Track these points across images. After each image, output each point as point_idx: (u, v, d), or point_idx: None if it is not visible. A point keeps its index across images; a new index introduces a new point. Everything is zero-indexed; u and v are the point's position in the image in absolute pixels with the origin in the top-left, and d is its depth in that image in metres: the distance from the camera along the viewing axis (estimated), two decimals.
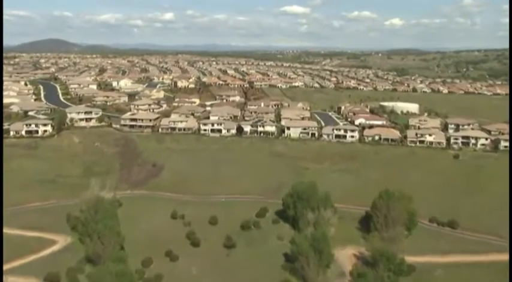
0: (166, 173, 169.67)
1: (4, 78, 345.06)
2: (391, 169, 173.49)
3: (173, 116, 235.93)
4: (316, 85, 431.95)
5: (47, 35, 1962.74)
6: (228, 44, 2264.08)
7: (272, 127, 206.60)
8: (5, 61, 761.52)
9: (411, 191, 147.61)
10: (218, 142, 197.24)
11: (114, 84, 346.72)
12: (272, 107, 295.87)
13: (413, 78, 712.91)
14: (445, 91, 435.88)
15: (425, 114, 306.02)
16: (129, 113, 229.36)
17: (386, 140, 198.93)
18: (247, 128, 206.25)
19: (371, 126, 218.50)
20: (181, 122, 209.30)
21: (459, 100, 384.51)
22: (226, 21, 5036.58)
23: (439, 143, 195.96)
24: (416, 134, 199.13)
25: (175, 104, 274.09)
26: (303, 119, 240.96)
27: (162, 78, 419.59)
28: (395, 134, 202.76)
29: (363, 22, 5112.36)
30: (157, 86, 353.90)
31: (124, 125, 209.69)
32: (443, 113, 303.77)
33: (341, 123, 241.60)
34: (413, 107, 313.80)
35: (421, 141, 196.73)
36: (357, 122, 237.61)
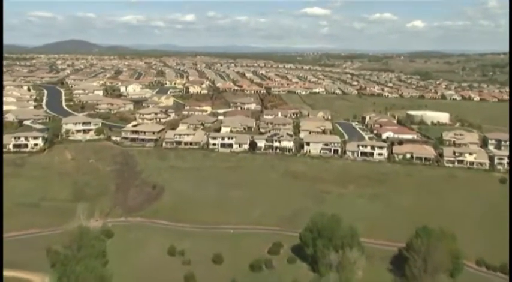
0: (167, 196, 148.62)
1: (7, 82, 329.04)
2: (426, 195, 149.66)
3: (180, 127, 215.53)
4: (338, 91, 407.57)
5: (70, 36, 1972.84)
6: (248, 45, 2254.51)
7: (290, 142, 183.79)
8: (21, 62, 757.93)
9: (452, 224, 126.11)
10: (228, 159, 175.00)
11: (122, 89, 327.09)
12: (291, 116, 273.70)
13: (438, 82, 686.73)
14: (477, 98, 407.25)
15: (457, 124, 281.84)
16: (131, 124, 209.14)
17: (420, 158, 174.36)
18: (261, 143, 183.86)
19: (400, 142, 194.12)
20: (187, 135, 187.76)
21: (493, 108, 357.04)
22: (247, 23, 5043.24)
23: (481, 163, 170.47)
24: (454, 153, 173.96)
25: (185, 113, 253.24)
26: (324, 131, 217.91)
27: (175, 83, 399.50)
28: (429, 151, 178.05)
29: (384, 24, 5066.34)
30: (168, 92, 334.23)
31: (125, 138, 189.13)
32: (477, 123, 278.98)
33: (366, 137, 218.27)
34: (443, 117, 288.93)
35: (460, 161, 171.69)
36: (384, 136, 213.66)
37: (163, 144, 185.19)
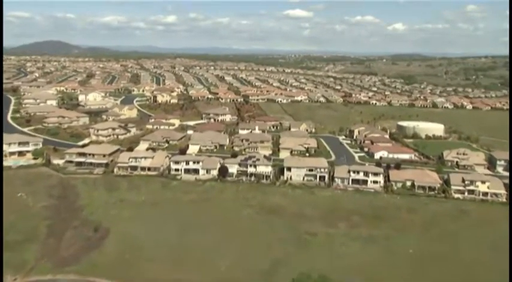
0: (111, 243, 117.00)
1: None
2: (435, 239, 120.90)
3: (141, 146, 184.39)
4: (322, 99, 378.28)
5: (50, 37, 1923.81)
6: (230, 47, 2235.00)
7: (267, 167, 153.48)
8: None
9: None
10: (192, 190, 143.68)
11: (81, 98, 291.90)
12: (270, 128, 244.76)
13: (422, 86, 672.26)
14: (469, 106, 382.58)
15: (451, 137, 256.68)
16: (82, 142, 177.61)
17: (422, 188, 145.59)
18: (233, 169, 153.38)
19: (397, 164, 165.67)
20: (145, 158, 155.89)
21: (487, 118, 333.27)
22: (228, 25, 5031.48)
23: (496, 194, 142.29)
24: (464, 180, 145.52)
25: (150, 127, 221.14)
26: (307, 150, 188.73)
27: (143, 90, 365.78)
28: (433, 179, 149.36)
29: (366, 26, 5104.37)
30: (134, 101, 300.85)
31: (69, 162, 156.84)
32: (474, 135, 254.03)
33: (356, 156, 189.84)
34: (438, 129, 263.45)
35: (471, 191, 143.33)
36: (377, 155, 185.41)
37: (115, 169, 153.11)
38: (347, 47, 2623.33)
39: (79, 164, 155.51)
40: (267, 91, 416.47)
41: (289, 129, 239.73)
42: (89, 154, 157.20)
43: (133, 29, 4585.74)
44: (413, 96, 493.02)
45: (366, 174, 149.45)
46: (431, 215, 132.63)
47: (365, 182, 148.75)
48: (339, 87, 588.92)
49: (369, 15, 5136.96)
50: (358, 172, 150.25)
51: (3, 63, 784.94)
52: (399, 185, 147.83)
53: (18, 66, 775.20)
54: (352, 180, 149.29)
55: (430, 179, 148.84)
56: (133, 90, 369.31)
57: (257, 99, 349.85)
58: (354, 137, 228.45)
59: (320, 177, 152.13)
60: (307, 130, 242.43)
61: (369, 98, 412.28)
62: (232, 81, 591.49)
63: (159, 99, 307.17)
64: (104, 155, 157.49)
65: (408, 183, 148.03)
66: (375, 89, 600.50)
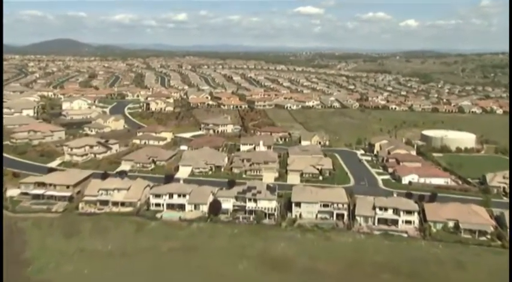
0: None
1: None
2: None
3: (122, 167, 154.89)
4: (336, 104, 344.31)
5: (61, 35, 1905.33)
6: (240, 44, 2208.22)
7: (271, 202, 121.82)
8: None
9: None
10: (174, 235, 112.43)
11: (66, 105, 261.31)
12: (278, 140, 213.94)
13: (439, 85, 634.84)
14: (499, 111, 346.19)
15: (484, 147, 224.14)
16: (51, 164, 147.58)
17: (470, 231, 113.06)
18: (228, 204, 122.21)
19: (433, 194, 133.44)
20: (118, 190, 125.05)
21: None
22: (239, 22, 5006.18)
23: None
24: None
25: (137, 141, 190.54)
26: (321, 172, 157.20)
27: (137, 95, 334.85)
28: (483, 218, 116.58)
29: (378, 23, 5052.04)
30: (126, 109, 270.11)
31: (25, 194, 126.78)
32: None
33: (379, 180, 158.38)
34: (468, 139, 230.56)
35: None
36: (405, 180, 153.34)
37: (81, 204, 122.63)
38: (358, 43, 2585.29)
39: (37, 196, 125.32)
40: (275, 95, 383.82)
41: (300, 142, 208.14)
42: (50, 184, 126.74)
43: (145, 27, 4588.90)
44: (431, 97, 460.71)
45: (396, 211, 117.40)
46: (487, 272, 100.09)
47: (395, 221, 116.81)
48: (352, 86, 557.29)
49: (381, 11, 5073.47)
50: (386, 209, 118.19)
51: (4, 63, 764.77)
52: (439, 226, 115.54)
53: (21, 66, 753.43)
54: (379, 219, 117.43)
55: (478, 218, 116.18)
56: (128, 95, 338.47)
57: (264, 105, 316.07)
58: (375, 152, 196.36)
59: (337, 214, 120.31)
60: (319, 142, 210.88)
61: (387, 101, 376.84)
62: (241, 81, 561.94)
63: (153, 106, 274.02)
64: (68, 186, 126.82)
65: (450, 224, 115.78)
66: (390, 88, 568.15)
